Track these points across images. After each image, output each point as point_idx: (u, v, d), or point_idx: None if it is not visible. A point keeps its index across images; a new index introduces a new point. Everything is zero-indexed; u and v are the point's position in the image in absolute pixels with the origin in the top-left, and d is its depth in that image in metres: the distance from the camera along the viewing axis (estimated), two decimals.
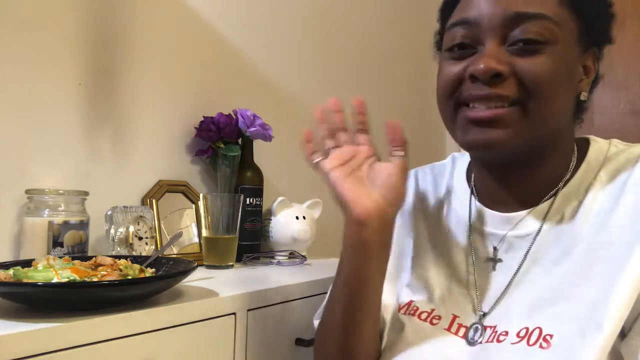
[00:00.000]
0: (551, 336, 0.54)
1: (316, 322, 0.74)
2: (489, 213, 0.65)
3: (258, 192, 1.18)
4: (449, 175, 0.75)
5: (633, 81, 1.97)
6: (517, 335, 0.56)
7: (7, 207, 0.90)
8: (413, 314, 0.66)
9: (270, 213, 1.21)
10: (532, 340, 0.54)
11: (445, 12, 0.65)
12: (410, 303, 0.68)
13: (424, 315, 0.65)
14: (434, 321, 0.64)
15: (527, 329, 0.56)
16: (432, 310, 0.65)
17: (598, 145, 0.63)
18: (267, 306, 0.82)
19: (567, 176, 0.61)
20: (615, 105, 2.01)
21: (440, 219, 0.72)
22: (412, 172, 0.78)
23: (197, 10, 1.21)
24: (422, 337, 0.63)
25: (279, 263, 1.14)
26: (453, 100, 0.61)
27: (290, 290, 0.87)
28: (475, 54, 0.59)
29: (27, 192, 0.88)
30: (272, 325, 0.82)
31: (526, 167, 0.62)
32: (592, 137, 0.65)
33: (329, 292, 0.70)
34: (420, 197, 0.76)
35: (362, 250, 0.61)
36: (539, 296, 0.57)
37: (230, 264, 1.03)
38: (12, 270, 0.64)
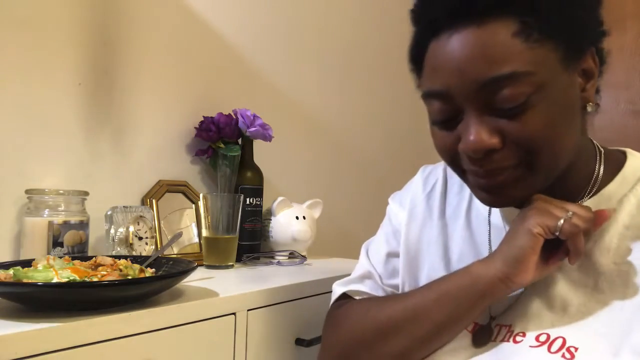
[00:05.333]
0: (576, 349, 0.52)
1: (341, 289, 0.72)
2: (509, 210, 0.64)
3: (258, 192, 1.18)
4: None
5: (633, 81, 1.97)
6: (537, 339, 0.55)
7: (7, 207, 0.90)
8: None
9: (270, 213, 1.21)
10: (553, 348, 0.53)
11: (413, 59, 0.61)
12: None
13: None
14: None
15: (548, 335, 0.54)
16: None
17: (636, 160, 0.61)
18: (267, 306, 0.82)
19: (597, 184, 0.59)
20: (615, 105, 2.01)
21: (462, 215, 0.70)
22: (442, 164, 0.75)
23: (197, 11, 1.21)
24: None
25: (279, 263, 1.14)
26: (457, 167, 0.59)
27: (290, 290, 0.86)
28: (461, 123, 0.54)
29: (27, 192, 0.88)
30: (272, 325, 0.82)
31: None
32: (629, 150, 0.62)
33: (413, 297, 0.63)
34: (447, 193, 0.73)
35: (485, 301, 0.57)
36: (561, 304, 0.56)
37: (230, 264, 1.03)
38: (12, 270, 0.64)
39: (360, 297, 0.70)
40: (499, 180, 0.55)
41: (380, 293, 0.71)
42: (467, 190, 0.71)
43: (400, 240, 0.73)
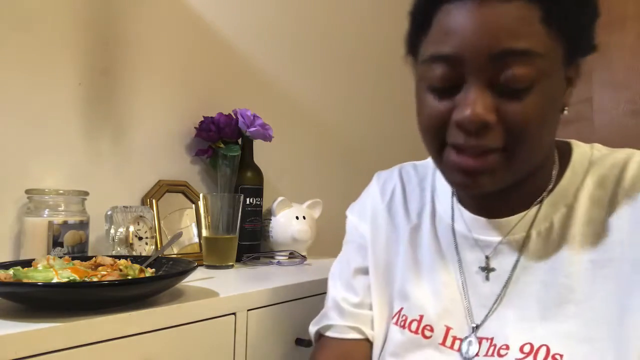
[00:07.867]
0: (561, 356, 0.52)
1: (313, 329, 0.72)
2: (473, 218, 0.63)
3: (258, 192, 1.18)
4: (432, 177, 0.72)
5: (633, 81, 1.97)
6: (521, 350, 0.54)
7: (7, 207, 0.90)
8: (403, 326, 0.64)
9: (270, 213, 1.21)
10: (539, 358, 0.53)
11: (417, 20, 0.58)
12: (400, 311, 0.66)
13: (414, 326, 0.63)
14: (427, 333, 0.62)
15: (532, 345, 0.54)
16: (421, 317, 0.63)
17: (581, 150, 0.61)
18: (267, 306, 0.82)
19: (552, 182, 0.59)
20: (615, 106, 2.01)
21: (427, 222, 0.68)
22: (396, 169, 0.75)
23: (198, 11, 1.21)
24: (417, 353, 0.61)
25: (279, 263, 1.14)
26: (438, 140, 0.56)
27: (290, 290, 0.86)
28: (459, 93, 0.53)
29: (27, 192, 0.88)
30: (272, 325, 0.83)
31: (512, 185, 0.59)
32: (573, 142, 0.62)
33: None
34: (407, 199, 0.72)
35: None
36: (538, 309, 0.56)
37: (230, 264, 1.03)
38: (12, 270, 0.64)
39: (330, 333, 0.69)
40: (481, 163, 0.53)
41: (349, 321, 0.69)
42: (428, 195, 0.70)
43: (365, 255, 0.72)
